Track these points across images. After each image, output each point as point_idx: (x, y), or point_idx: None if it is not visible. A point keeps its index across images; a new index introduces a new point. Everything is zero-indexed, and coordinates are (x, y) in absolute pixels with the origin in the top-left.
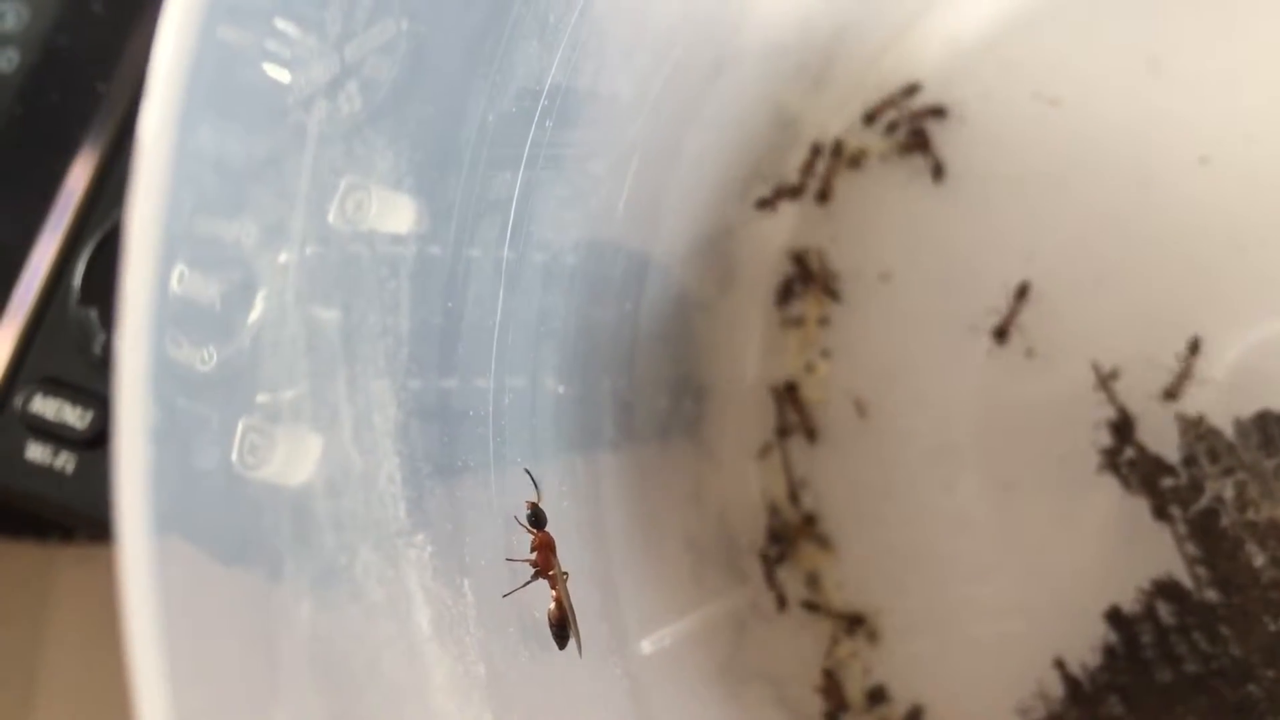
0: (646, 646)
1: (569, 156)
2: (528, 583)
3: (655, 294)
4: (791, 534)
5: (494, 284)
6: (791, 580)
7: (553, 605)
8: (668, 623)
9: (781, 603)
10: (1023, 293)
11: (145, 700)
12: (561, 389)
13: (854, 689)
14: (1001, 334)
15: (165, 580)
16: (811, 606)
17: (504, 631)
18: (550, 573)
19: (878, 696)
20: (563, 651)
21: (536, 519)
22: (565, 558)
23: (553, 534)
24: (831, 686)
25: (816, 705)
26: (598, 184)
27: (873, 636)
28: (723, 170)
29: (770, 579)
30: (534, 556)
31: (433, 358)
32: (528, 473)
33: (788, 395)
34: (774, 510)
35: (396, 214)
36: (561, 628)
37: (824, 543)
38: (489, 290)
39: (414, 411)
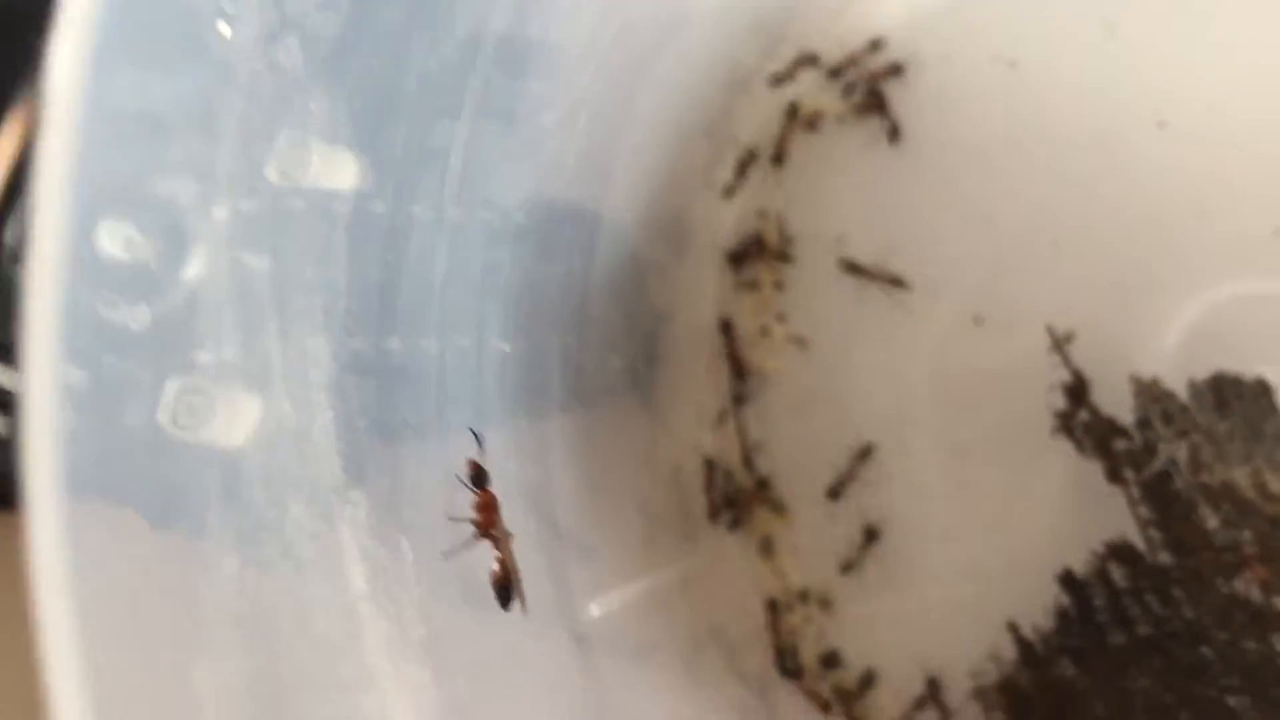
0: (595, 610)
1: (516, 109)
2: (469, 543)
3: (607, 253)
4: (745, 499)
5: (436, 239)
6: (746, 546)
7: (495, 565)
8: (617, 586)
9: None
10: (865, 454)
11: (52, 659)
12: (508, 347)
13: (808, 654)
14: (834, 494)
15: (77, 539)
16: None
17: (445, 591)
18: (493, 532)
19: (831, 661)
20: (507, 613)
21: (478, 478)
22: (511, 519)
23: (496, 494)
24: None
25: (770, 670)
26: (546, 137)
27: (826, 603)
28: (676, 130)
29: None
30: (477, 516)
31: (372, 314)
32: (471, 431)
33: (723, 333)
34: (728, 475)
35: (337, 168)
36: (504, 588)
37: (778, 508)
38: (431, 246)
39: (351, 367)
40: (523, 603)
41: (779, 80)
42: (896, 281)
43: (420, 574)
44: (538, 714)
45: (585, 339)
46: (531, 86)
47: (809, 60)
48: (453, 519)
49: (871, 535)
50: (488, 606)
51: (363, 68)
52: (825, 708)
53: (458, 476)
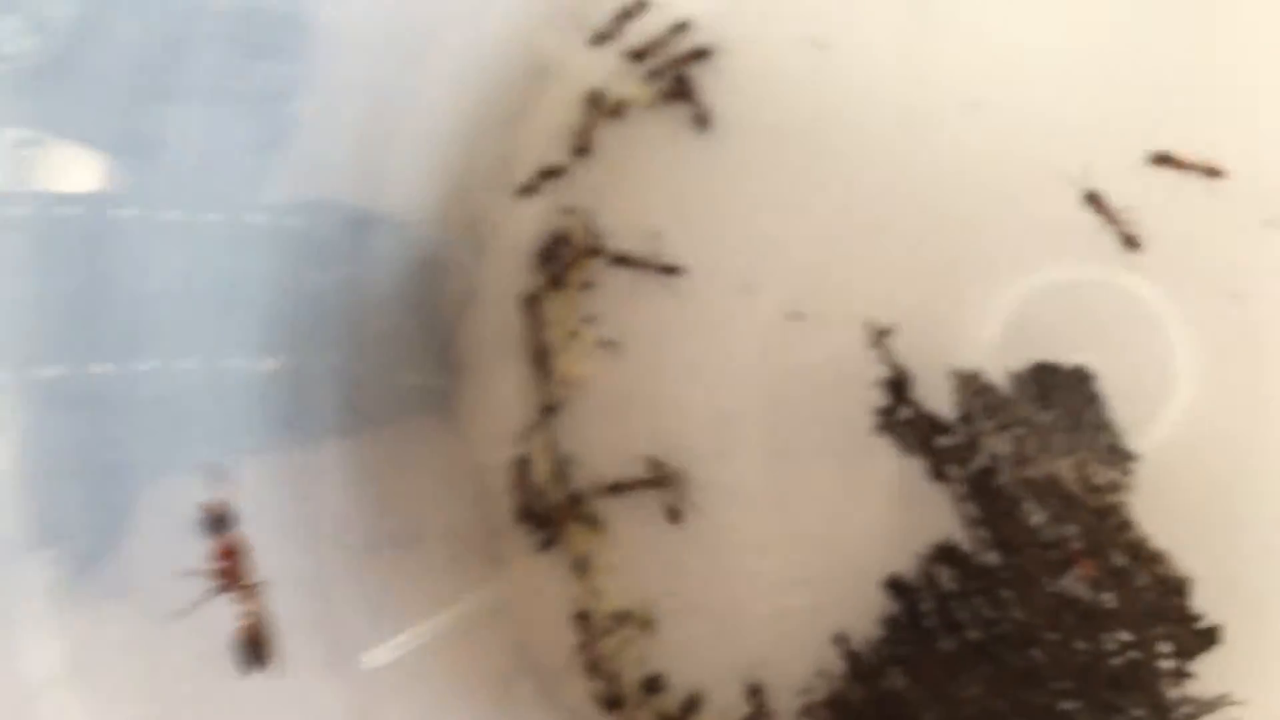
0: (383, 655)
1: (256, 93)
2: (209, 598)
3: (390, 259)
4: (558, 515)
5: (157, 244)
6: (560, 566)
7: (242, 622)
8: (414, 624)
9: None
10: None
11: None
12: (264, 367)
13: (628, 680)
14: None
15: None
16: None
17: (176, 660)
18: (238, 584)
19: (653, 686)
20: (260, 675)
21: (219, 521)
22: (274, 564)
23: (242, 539)
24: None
25: (590, 701)
26: (298, 129)
27: (646, 623)
28: (468, 122)
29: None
30: (218, 566)
31: (73, 336)
32: (210, 467)
33: (528, 308)
34: (538, 492)
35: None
36: (255, 646)
37: (593, 523)
38: (148, 252)
39: (43, 400)
40: (278, 662)
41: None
42: (668, 268)
43: (146, 642)
44: None
45: (367, 354)
46: (277, 69)
47: (606, 40)
48: (186, 573)
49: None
50: (236, 670)
51: (91, 56)
52: None
53: (199, 521)
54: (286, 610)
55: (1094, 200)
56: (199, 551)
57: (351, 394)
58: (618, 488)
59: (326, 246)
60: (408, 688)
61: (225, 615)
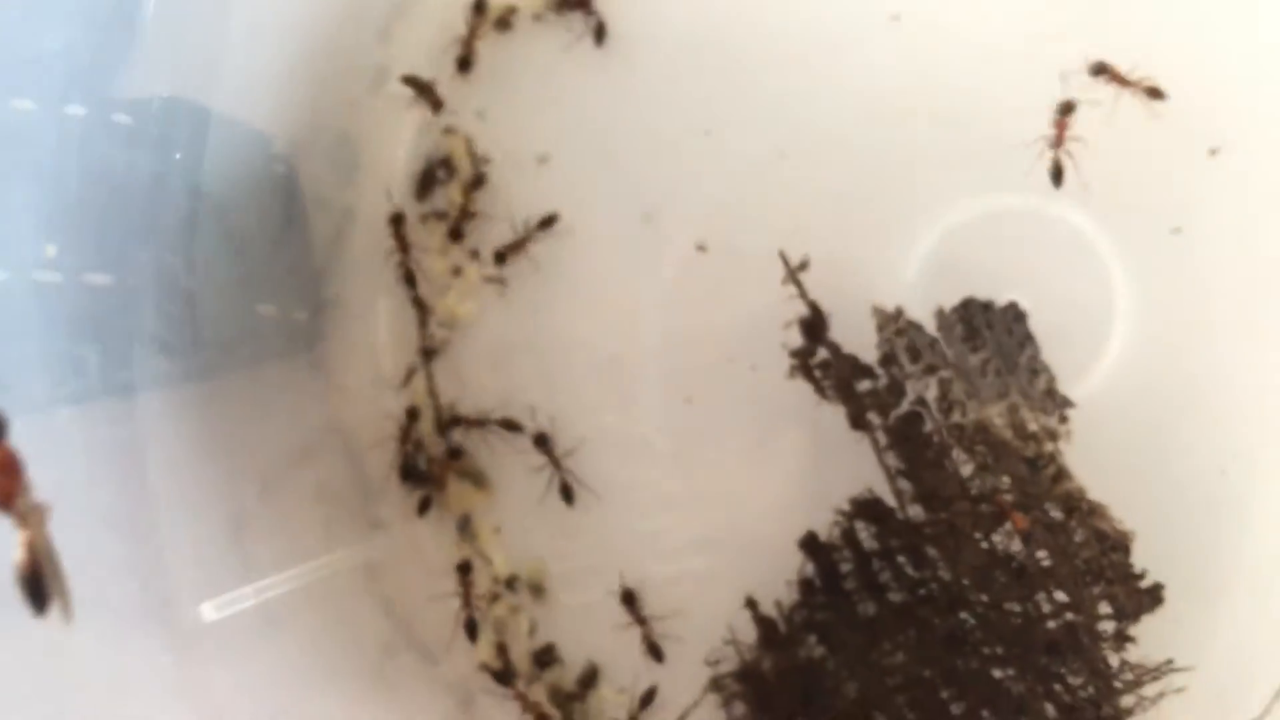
0: (221, 609)
1: None
2: None
3: (238, 164)
4: (438, 472)
5: None
6: (442, 528)
7: (19, 552)
8: (262, 578)
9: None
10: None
11: None
12: (92, 281)
13: (519, 651)
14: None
15: None
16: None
17: None
18: (13, 505)
19: (546, 658)
20: (40, 617)
21: None
22: (86, 499)
23: (16, 452)
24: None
25: (479, 677)
26: (144, 16)
27: (538, 589)
28: (336, 21)
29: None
30: None
31: None
32: None
33: (393, 228)
34: (418, 443)
35: None
36: (34, 582)
37: (478, 480)
38: None
39: None
40: (65, 603)
41: None
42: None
43: None
44: None
45: (210, 271)
46: None
47: None
48: None
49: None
50: (13, 609)
51: None
52: (542, 718)
53: None
54: (102, 553)
55: (1103, 70)
56: None
57: (192, 318)
58: (473, 423)
59: (162, 146)
60: (254, 649)
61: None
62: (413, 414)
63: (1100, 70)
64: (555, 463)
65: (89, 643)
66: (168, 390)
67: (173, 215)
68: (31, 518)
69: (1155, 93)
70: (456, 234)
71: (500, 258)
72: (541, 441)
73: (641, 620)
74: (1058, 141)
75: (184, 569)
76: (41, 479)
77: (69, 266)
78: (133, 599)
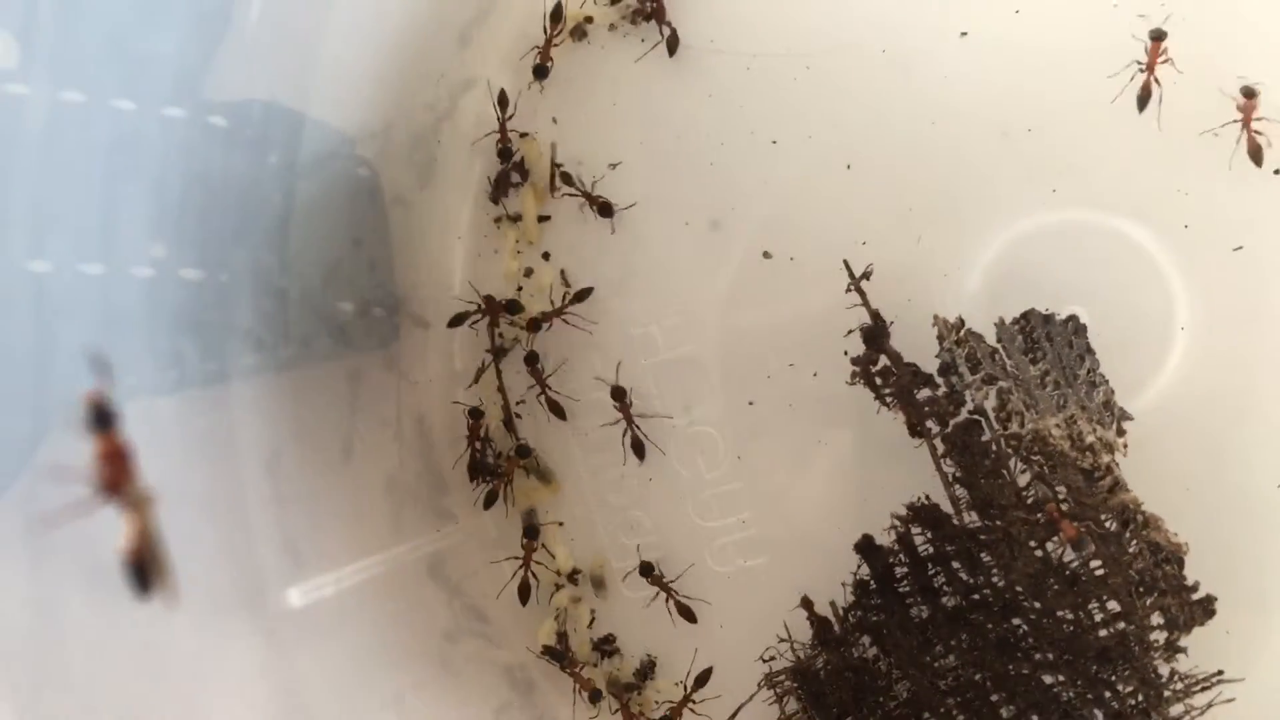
0: (304, 595)
1: None
2: (87, 507)
3: (322, 166)
4: (506, 466)
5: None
6: (510, 520)
7: (128, 537)
8: (341, 567)
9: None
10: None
11: None
12: (186, 277)
13: (580, 641)
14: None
15: None
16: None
17: (50, 576)
18: (122, 492)
19: (606, 648)
20: (145, 601)
21: (102, 417)
22: (189, 489)
23: (127, 443)
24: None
25: (538, 664)
26: (236, 21)
27: (599, 583)
28: (418, 30)
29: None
30: (99, 470)
31: None
32: (91, 357)
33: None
34: (487, 439)
35: None
36: (140, 568)
37: (544, 476)
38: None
39: None
40: (169, 587)
41: None
42: (604, 208)
43: (16, 554)
44: None
45: (291, 261)
46: None
47: None
48: (62, 471)
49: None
50: (119, 593)
51: None
52: (596, 697)
53: (78, 417)
54: (198, 539)
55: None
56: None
57: (283, 314)
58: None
59: (259, 148)
60: (331, 633)
61: (113, 529)
62: (476, 414)
63: (1250, 94)
64: (629, 418)
65: (185, 625)
66: (256, 382)
67: (268, 216)
68: (140, 504)
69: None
70: (531, 237)
71: (535, 325)
72: (619, 395)
73: (664, 586)
74: (1149, 68)
75: (273, 556)
76: (144, 467)
77: (171, 264)
78: (226, 584)
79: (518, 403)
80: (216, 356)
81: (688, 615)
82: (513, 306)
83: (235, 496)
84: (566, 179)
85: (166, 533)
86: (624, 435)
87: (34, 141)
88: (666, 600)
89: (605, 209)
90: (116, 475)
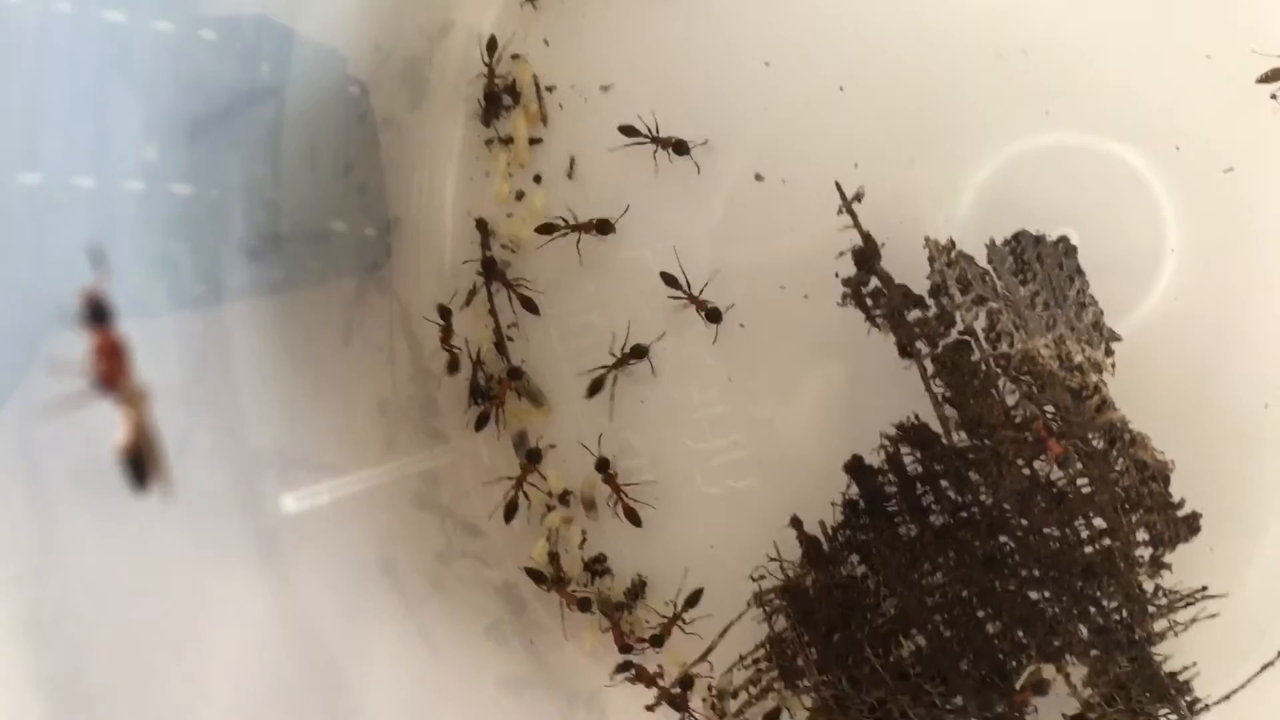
0: (300, 501)
1: None
2: (82, 401)
3: (312, 83)
4: (498, 389)
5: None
6: (502, 442)
7: (124, 432)
8: (336, 476)
9: None
10: (638, 353)
11: None
12: (151, 153)
13: (572, 561)
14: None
15: None
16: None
17: (44, 472)
18: (119, 388)
19: (597, 568)
20: (141, 496)
21: (98, 313)
22: (173, 384)
23: (122, 338)
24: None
25: (530, 584)
26: None
27: (589, 505)
28: None
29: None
30: (95, 364)
31: None
32: (89, 251)
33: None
34: (479, 362)
35: None
36: (137, 462)
37: (536, 398)
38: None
39: None
40: (166, 482)
41: None
42: (679, 146)
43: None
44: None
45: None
46: None
47: None
48: (60, 365)
49: None
50: (113, 490)
51: None
52: (585, 605)
53: (71, 311)
54: (193, 443)
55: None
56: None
57: (274, 226)
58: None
59: (249, 61)
60: (326, 542)
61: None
62: (444, 312)
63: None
64: (616, 488)
65: (181, 527)
66: (251, 299)
67: (259, 128)
68: (135, 400)
69: None
70: (522, 161)
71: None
72: (603, 467)
73: (616, 486)
74: None
75: (267, 464)
76: (140, 370)
77: (163, 170)
78: (222, 486)
79: (509, 325)
80: (211, 267)
81: (633, 518)
82: (514, 373)
83: (230, 406)
84: (630, 131)
85: (165, 435)
86: (614, 505)
87: (28, 50)
88: (615, 504)
89: (680, 147)
90: (112, 370)
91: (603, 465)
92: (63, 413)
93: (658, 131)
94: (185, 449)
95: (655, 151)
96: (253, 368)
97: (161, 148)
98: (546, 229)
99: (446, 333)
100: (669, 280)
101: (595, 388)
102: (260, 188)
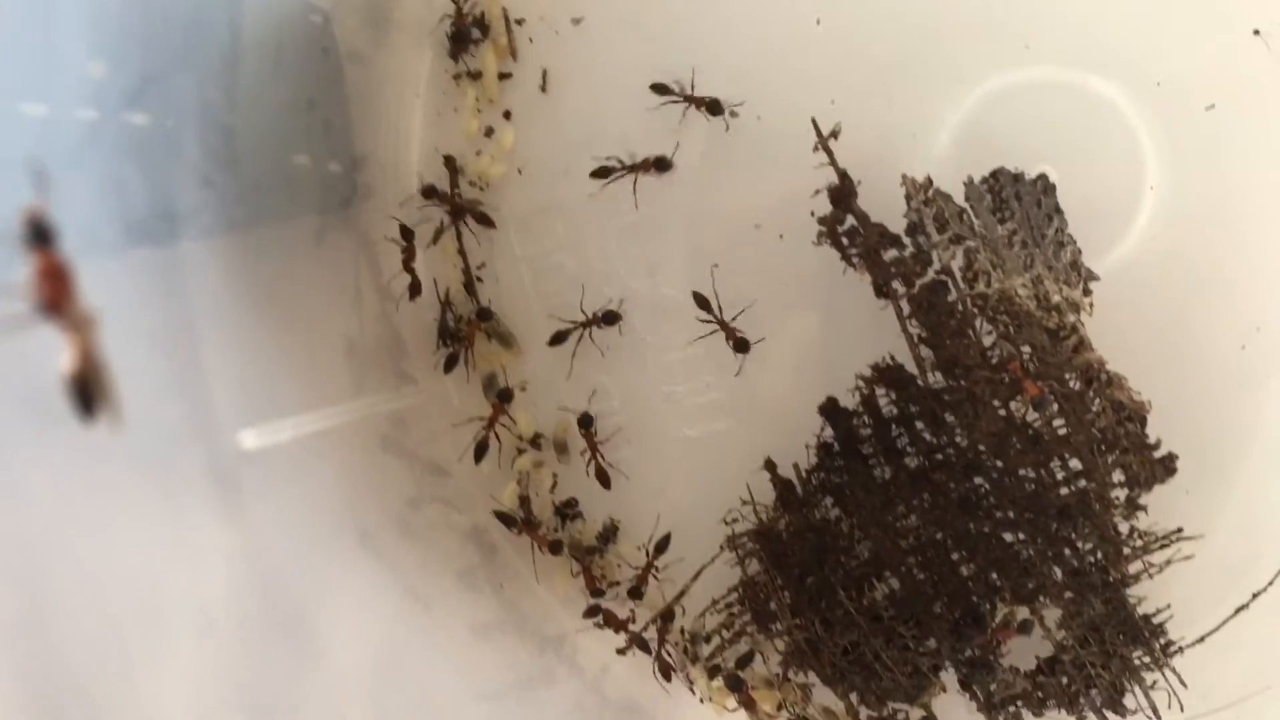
0: (260, 438)
1: None
2: (25, 325)
3: (270, 10)
4: (467, 330)
5: None
6: (471, 384)
7: (70, 358)
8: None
9: None
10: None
11: None
12: (99, 70)
13: (543, 505)
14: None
15: None
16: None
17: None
18: (63, 312)
19: (568, 512)
20: (88, 425)
21: (40, 234)
22: (129, 316)
23: (69, 260)
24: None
25: (500, 528)
26: None
27: (561, 448)
28: None
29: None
30: (38, 288)
31: None
32: (31, 171)
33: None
34: (447, 302)
35: None
36: (84, 389)
37: (506, 340)
38: None
39: None
40: (114, 411)
41: None
42: (712, 106)
43: None
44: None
45: (239, 97)
46: None
47: None
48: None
49: None
50: (58, 418)
51: None
52: (556, 548)
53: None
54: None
55: None
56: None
57: (230, 151)
58: None
59: None
60: (288, 481)
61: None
62: (406, 233)
63: None
64: (593, 446)
65: (133, 460)
66: (212, 235)
67: (214, 49)
68: (81, 325)
69: None
70: (491, 96)
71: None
72: (586, 423)
73: (593, 444)
74: None
75: (225, 396)
76: (91, 297)
77: (115, 92)
78: (176, 419)
79: (479, 266)
80: (164, 191)
81: (603, 480)
82: (484, 314)
83: (188, 340)
84: (662, 89)
85: (114, 365)
86: (587, 463)
87: None
88: (589, 461)
89: (714, 107)
90: (56, 293)
91: (585, 421)
92: (3, 336)
93: (692, 90)
94: (137, 379)
95: (685, 109)
96: (211, 301)
97: (110, 68)
98: (602, 172)
99: (409, 254)
100: (701, 302)
101: (559, 338)
102: (215, 111)
